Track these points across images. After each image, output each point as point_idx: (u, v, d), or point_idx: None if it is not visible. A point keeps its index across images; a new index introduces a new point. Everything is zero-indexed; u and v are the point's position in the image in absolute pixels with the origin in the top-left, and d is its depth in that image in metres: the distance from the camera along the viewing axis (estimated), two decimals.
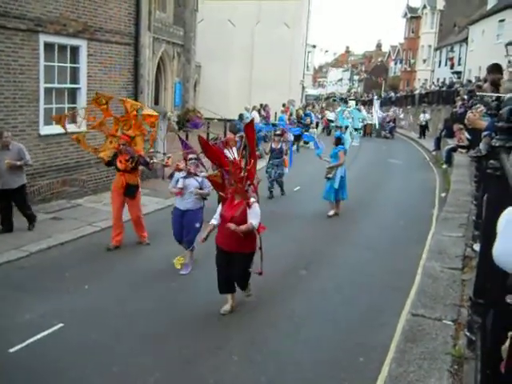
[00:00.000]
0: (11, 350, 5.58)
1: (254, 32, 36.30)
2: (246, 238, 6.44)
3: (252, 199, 6.52)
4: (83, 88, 12.29)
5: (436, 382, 3.02)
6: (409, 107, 40.31)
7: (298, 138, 21.13)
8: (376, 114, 30.73)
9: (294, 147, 17.96)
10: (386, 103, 49.72)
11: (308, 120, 29.18)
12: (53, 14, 11.13)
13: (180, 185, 8.07)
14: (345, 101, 55.83)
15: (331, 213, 12.13)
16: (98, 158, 9.30)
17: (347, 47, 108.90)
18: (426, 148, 26.92)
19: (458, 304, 4.16)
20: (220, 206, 6.76)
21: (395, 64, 71.31)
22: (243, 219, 6.36)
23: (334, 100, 33.17)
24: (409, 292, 6.89)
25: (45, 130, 11.30)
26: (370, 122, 30.63)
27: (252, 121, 6.97)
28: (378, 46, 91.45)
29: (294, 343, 6.16)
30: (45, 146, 11.41)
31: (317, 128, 31.24)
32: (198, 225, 8.05)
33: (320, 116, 34.79)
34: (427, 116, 31.61)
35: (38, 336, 5.92)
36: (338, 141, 12.26)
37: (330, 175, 11.88)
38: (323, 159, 12.54)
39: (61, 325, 6.23)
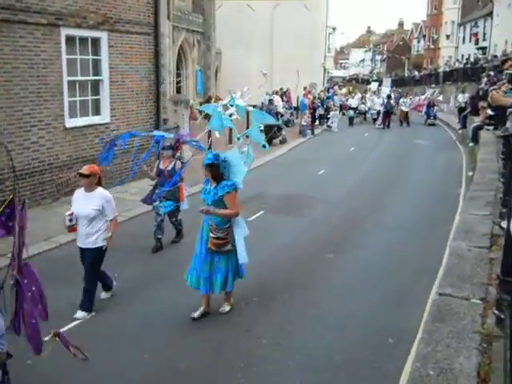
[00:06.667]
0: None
1: (274, 16, 35.87)
2: None
3: None
4: (106, 80, 12.40)
5: (465, 361, 3.01)
6: (433, 86, 39.64)
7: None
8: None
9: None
10: (409, 82, 49.03)
11: (330, 103, 28.98)
12: (73, 7, 11.21)
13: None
14: (367, 82, 55.17)
15: (198, 313, 6.34)
16: None
17: (368, 27, 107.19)
18: (452, 127, 26.52)
19: (485, 283, 4.12)
20: None
21: (418, 42, 70.09)
22: None
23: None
24: (437, 272, 6.84)
25: (70, 122, 11.47)
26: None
27: None
28: (400, 24, 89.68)
29: (322, 327, 6.18)
30: (70, 139, 11.57)
31: (340, 111, 31.02)
32: None
33: (344, 99, 34.29)
34: (466, 96, 26.01)
35: (74, 323, 6.14)
36: (219, 175, 6.12)
37: (228, 246, 6.19)
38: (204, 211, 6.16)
39: (93, 313, 6.40)
